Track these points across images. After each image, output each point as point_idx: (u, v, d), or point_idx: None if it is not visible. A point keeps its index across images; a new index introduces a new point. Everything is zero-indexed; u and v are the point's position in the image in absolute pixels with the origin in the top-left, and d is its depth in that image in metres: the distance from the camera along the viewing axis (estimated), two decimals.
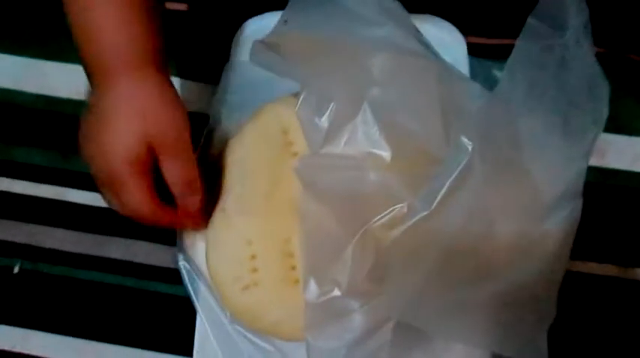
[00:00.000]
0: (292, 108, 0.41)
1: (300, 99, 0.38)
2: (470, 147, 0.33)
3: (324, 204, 0.36)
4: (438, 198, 0.33)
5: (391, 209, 0.34)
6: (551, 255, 0.35)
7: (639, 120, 0.46)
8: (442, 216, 0.33)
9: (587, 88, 0.36)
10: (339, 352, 0.34)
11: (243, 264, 0.38)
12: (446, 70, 0.37)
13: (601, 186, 0.40)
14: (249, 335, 0.38)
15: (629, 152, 0.45)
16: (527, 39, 0.36)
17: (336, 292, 0.34)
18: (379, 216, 0.34)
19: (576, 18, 0.35)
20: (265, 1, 0.48)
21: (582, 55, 0.36)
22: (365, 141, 0.36)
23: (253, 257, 0.38)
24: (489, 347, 0.34)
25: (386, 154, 0.36)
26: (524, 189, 0.36)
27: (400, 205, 0.34)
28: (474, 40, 0.47)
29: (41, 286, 0.44)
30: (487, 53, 0.45)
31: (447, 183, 0.33)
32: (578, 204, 0.37)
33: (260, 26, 0.43)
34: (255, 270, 0.38)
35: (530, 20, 0.35)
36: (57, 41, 0.50)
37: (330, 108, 0.37)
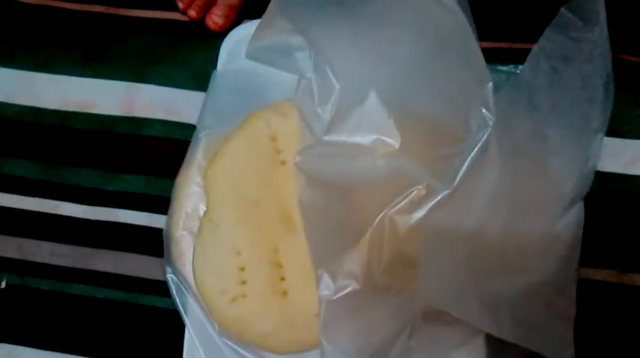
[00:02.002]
0: (281, 115, 0.40)
1: (299, 87, 0.38)
2: (491, 121, 0.32)
3: (331, 194, 0.35)
4: (460, 175, 0.32)
5: (409, 191, 0.32)
6: (562, 256, 0.35)
7: (633, 122, 0.45)
8: (464, 195, 0.32)
9: (605, 87, 0.35)
10: (358, 356, 0.32)
11: (232, 276, 0.37)
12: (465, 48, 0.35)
13: (597, 190, 0.39)
14: (238, 348, 0.37)
15: (625, 155, 0.44)
16: (557, 29, 0.35)
17: (354, 286, 0.32)
18: (397, 200, 0.32)
19: (605, 14, 0.35)
20: (251, 8, 0.48)
21: (605, 53, 0.35)
22: (372, 126, 0.35)
23: (242, 268, 0.37)
24: (520, 341, 0.32)
25: (395, 139, 0.34)
26: (542, 187, 0.35)
27: (418, 186, 0.32)
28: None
29: (29, 301, 0.43)
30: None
31: (469, 159, 0.32)
32: (581, 206, 0.36)
33: (246, 34, 0.42)
34: (243, 282, 0.37)
35: (562, 10, 0.35)
36: (45, 51, 0.49)
37: (333, 95, 0.35)
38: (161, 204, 0.44)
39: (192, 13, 0.49)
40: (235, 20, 0.48)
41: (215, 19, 0.48)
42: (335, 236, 0.34)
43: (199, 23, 0.49)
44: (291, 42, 0.39)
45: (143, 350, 0.42)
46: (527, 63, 0.37)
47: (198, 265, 0.38)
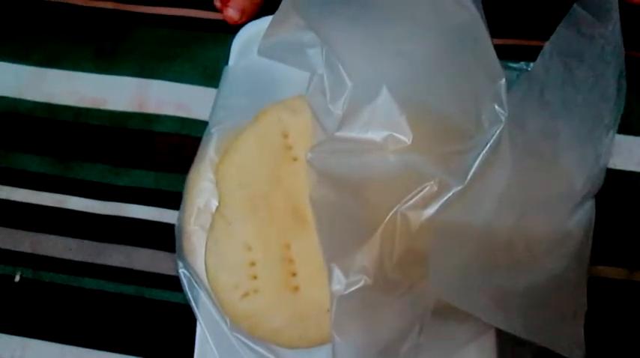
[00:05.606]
0: (292, 111, 0.40)
1: (311, 84, 0.38)
2: (503, 117, 0.32)
3: (342, 190, 0.34)
4: (472, 171, 0.32)
5: (421, 187, 0.32)
6: (573, 254, 0.35)
7: None
8: (476, 192, 0.32)
9: (617, 84, 0.35)
10: (369, 351, 0.32)
11: (243, 271, 0.37)
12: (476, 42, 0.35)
13: (608, 188, 0.39)
14: (250, 343, 0.38)
15: (637, 152, 0.44)
16: (569, 25, 0.35)
17: (366, 281, 0.32)
18: (409, 197, 0.32)
19: (618, 11, 0.35)
20: (264, 5, 0.48)
21: (618, 50, 0.35)
22: (384, 123, 0.35)
23: (253, 263, 0.37)
24: (530, 336, 0.33)
25: (407, 135, 0.34)
26: (553, 184, 0.35)
27: (430, 183, 0.32)
28: None
29: (42, 294, 0.44)
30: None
31: (481, 155, 0.32)
32: (593, 204, 0.36)
33: (258, 30, 0.42)
34: (254, 277, 0.37)
35: (575, 7, 0.35)
36: (57, 47, 0.50)
37: (345, 92, 0.35)
38: (172, 199, 0.44)
39: (217, 3, 0.48)
40: (256, 15, 0.48)
41: (231, 12, 0.47)
42: (347, 232, 0.34)
43: (210, 20, 0.49)
44: (303, 38, 0.39)
45: (154, 344, 0.42)
46: (538, 60, 0.37)
47: (210, 260, 0.38)
